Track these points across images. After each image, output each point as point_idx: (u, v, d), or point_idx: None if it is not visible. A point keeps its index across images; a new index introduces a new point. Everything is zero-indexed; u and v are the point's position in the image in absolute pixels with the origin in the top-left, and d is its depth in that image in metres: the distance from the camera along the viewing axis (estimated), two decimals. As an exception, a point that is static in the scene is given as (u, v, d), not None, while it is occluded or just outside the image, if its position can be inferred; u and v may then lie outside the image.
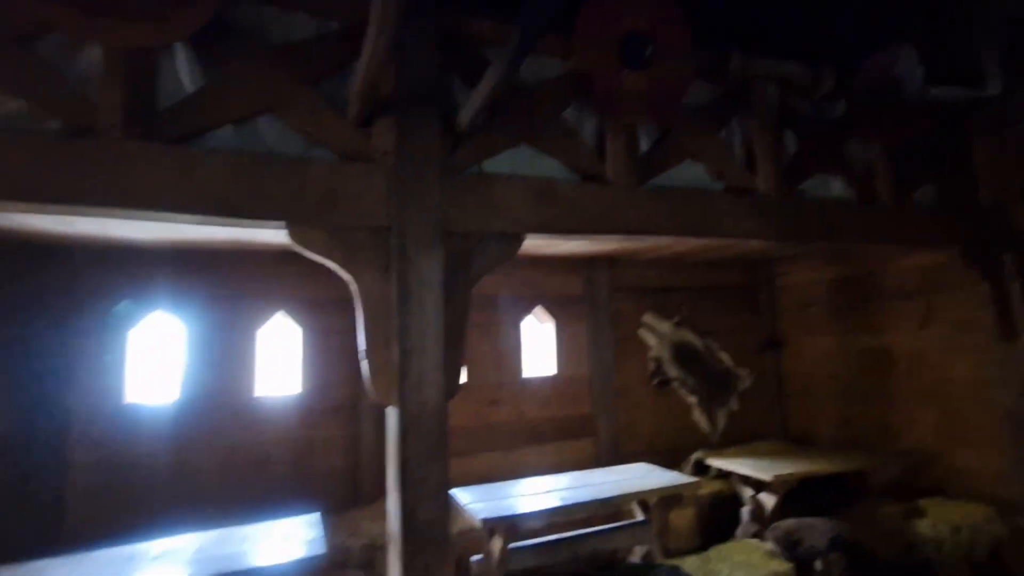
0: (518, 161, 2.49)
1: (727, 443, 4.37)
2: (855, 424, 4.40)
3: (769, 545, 2.93)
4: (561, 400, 4.41)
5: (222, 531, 2.65)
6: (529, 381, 4.34)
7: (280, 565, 2.31)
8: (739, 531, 3.61)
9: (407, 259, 2.16)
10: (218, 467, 3.40)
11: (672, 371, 4.74)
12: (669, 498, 3.25)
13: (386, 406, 2.19)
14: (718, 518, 3.83)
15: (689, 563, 2.75)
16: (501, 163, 2.46)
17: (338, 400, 3.77)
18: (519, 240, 2.41)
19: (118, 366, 3.27)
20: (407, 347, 2.13)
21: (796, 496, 3.64)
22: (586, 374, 4.51)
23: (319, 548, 2.42)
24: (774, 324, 5.22)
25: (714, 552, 2.93)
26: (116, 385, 3.25)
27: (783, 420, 5.01)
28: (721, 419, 4.86)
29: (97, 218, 2.03)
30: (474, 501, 2.96)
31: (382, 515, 3.51)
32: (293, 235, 2.08)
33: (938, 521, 3.26)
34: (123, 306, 3.29)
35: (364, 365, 2.15)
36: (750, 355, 5.04)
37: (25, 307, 3.12)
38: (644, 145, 2.76)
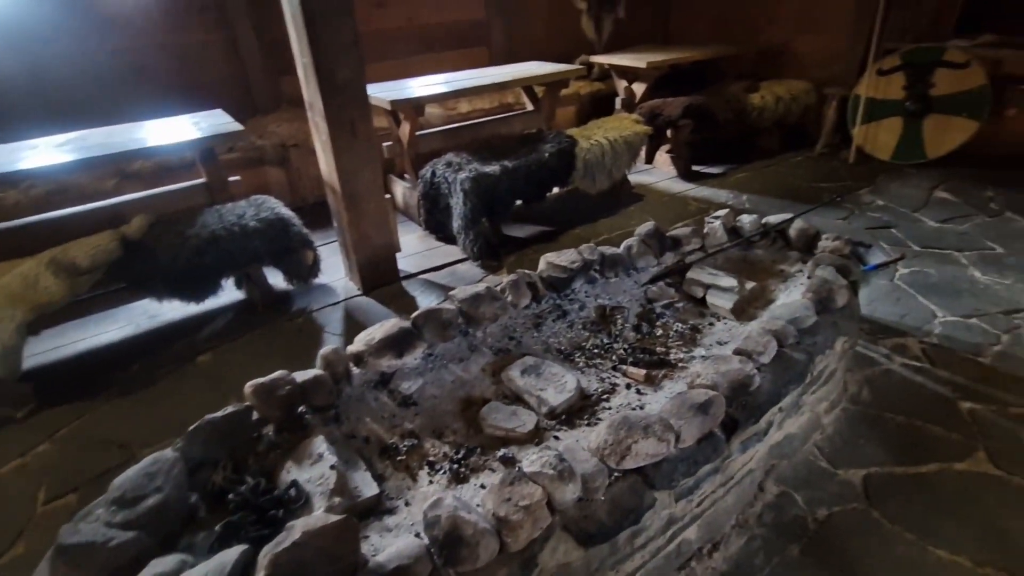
0: None
1: (615, 50, 4.60)
2: (728, 24, 4.75)
3: (636, 116, 3.48)
4: (455, 2, 4.20)
5: (113, 127, 2.56)
6: (420, -22, 4.00)
7: (189, 142, 2.32)
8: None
9: None
10: (90, 73, 3.13)
11: (567, -29, 4.53)
12: (555, 84, 3.57)
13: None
14: (597, 113, 4.31)
15: (570, 131, 3.24)
16: None
17: (202, -2, 3.34)
18: None
19: None
20: None
21: (666, 85, 4.12)
22: (480, -29, 4.21)
23: (235, 127, 2.50)
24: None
25: (591, 124, 3.43)
26: None
27: (666, 26, 5.25)
28: (607, 27, 4.98)
29: None
30: (380, 92, 3.07)
31: (285, 120, 3.60)
32: None
33: (767, 94, 3.98)
34: None
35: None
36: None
37: None
38: None
